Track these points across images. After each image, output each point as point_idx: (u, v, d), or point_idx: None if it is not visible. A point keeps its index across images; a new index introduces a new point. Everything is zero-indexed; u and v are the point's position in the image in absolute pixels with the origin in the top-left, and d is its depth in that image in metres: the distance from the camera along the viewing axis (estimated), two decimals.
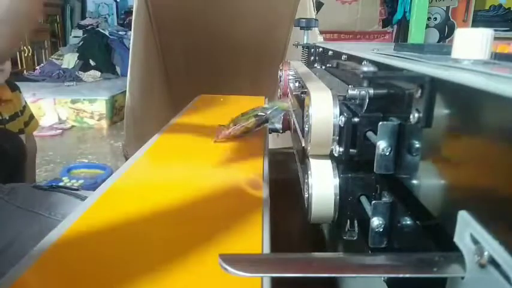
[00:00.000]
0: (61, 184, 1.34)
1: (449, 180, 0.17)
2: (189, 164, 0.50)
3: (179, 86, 1.41)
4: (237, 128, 0.56)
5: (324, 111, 0.25)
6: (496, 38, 0.21)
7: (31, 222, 0.52)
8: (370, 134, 0.24)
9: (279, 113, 0.55)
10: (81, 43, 2.95)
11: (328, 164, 0.28)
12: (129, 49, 1.12)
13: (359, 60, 0.33)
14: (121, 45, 2.98)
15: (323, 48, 0.57)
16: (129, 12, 3.32)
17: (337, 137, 0.26)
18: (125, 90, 1.12)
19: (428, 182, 0.19)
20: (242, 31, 1.28)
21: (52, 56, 2.97)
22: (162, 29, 1.27)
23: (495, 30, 0.21)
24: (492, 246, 0.13)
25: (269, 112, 0.55)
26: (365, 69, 0.26)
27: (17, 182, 0.83)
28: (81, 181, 1.37)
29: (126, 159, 1.11)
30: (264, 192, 0.41)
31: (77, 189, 0.62)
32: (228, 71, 1.37)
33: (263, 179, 0.44)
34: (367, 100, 0.25)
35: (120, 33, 3.11)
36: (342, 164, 0.27)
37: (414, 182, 0.21)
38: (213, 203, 0.38)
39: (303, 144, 0.30)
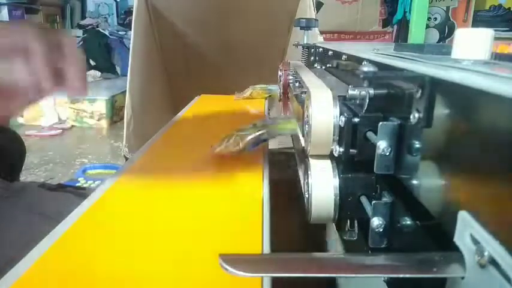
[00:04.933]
0: (78, 185, 1.33)
1: (449, 180, 0.17)
2: (189, 163, 0.50)
3: (179, 86, 1.41)
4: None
5: (324, 111, 0.25)
6: (496, 38, 0.21)
7: (41, 228, 0.52)
8: (370, 134, 0.24)
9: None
10: (81, 43, 2.95)
11: (328, 164, 0.28)
12: (129, 49, 1.12)
13: (359, 60, 0.33)
14: (121, 45, 2.98)
15: (323, 48, 0.57)
16: (129, 12, 3.32)
17: (337, 137, 0.26)
18: (125, 90, 1.12)
19: (428, 182, 0.19)
20: (242, 31, 1.28)
21: None
22: (162, 29, 1.27)
23: (495, 30, 0.21)
24: (492, 246, 0.13)
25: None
26: (365, 69, 0.26)
27: (16, 180, 0.83)
28: (98, 182, 1.36)
29: (126, 159, 1.11)
30: (264, 192, 0.41)
31: (83, 189, 0.61)
32: (228, 71, 1.37)
33: (263, 179, 0.44)
34: (367, 100, 0.25)
35: (120, 33, 3.10)
36: (342, 164, 0.27)
37: (414, 182, 0.21)
38: (213, 203, 0.38)
39: (303, 144, 0.30)
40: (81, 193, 0.59)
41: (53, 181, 1.39)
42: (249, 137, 0.46)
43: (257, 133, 0.46)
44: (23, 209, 0.54)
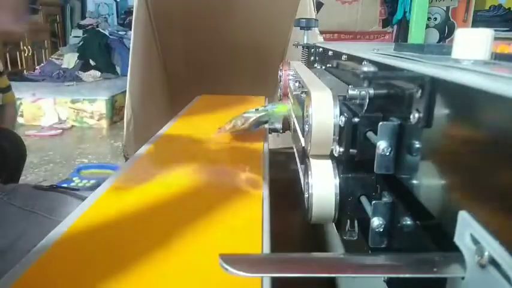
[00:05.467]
0: (72, 185, 1.33)
1: (449, 180, 0.17)
2: (189, 164, 0.50)
3: (179, 86, 1.41)
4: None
5: (324, 111, 0.25)
6: (496, 38, 0.21)
7: (32, 223, 0.53)
8: (370, 134, 0.24)
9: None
10: (81, 43, 2.95)
11: (328, 164, 0.28)
12: (129, 49, 1.12)
13: (359, 60, 0.33)
14: (121, 45, 2.98)
15: (323, 48, 0.57)
16: (129, 12, 3.32)
17: (338, 137, 0.26)
18: (125, 90, 1.12)
19: (428, 182, 0.19)
20: (242, 31, 1.28)
21: (52, 56, 2.97)
22: (162, 29, 1.27)
23: (495, 30, 0.21)
24: (492, 247, 0.13)
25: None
26: (365, 69, 0.26)
27: (16, 181, 0.83)
28: (92, 181, 1.35)
29: (126, 159, 1.11)
30: (264, 192, 0.41)
31: (77, 190, 0.62)
32: (228, 71, 1.37)
33: (263, 179, 0.44)
34: (367, 100, 0.24)
35: (120, 33, 3.11)
36: (342, 164, 0.27)
37: (414, 182, 0.21)
38: (213, 203, 0.38)
39: (303, 144, 0.30)
40: (74, 193, 0.59)
41: (53, 181, 1.39)
42: (252, 119, 0.56)
43: (258, 115, 0.56)
44: (14, 207, 0.54)
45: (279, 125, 0.66)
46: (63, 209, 0.55)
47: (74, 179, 1.40)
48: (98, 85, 2.57)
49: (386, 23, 2.51)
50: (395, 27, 2.48)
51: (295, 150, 0.47)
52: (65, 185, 1.21)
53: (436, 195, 0.18)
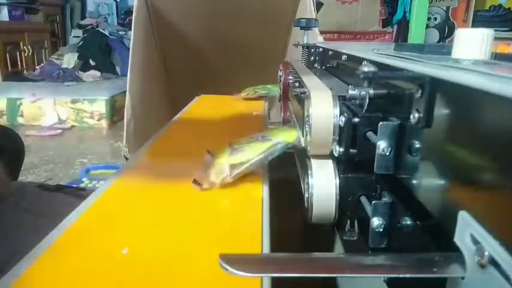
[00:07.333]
0: (82, 185, 1.33)
1: (449, 180, 0.17)
2: (189, 164, 0.50)
3: (179, 86, 1.41)
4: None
5: (324, 111, 0.25)
6: (496, 38, 0.21)
7: (39, 227, 0.52)
8: (370, 134, 0.24)
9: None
10: (81, 43, 2.95)
11: (328, 164, 0.28)
12: (129, 49, 1.12)
13: (359, 60, 0.33)
14: (121, 45, 2.98)
15: (323, 48, 0.57)
16: (129, 12, 3.32)
17: (338, 137, 0.26)
18: (125, 90, 1.12)
19: (428, 182, 0.19)
20: (242, 31, 1.28)
21: (52, 56, 2.97)
22: (162, 28, 1.27)
23: (495, 30, 0.21)
24: (492, 247, 0.13)
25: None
26: (365, 69, 0.26)
27: (16, 178, 0.83)
28: (102, 182, 1.34)
29: (126, 159, 1.11)
30: (263, 192, 0.41)
31: (83, 190, 0.62)
32: (228, 71, 1.37)
33: (263, 179, 0.44)
34: (367, 100, 0.25)
35: (120, 33, 3.11)
36: (342, 164, 0.27)
37: (414, 182, 0.21)
38: (213, 202, 0.38)
39: (303, 144, 0.30)
40: (80, 194, 0.59)
41: (53, 181, 1.39)
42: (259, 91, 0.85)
43: (259, 89, 0.86)
44: (20, 209, 0.54)
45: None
46: (69, 210, 0.55)
47: (83, 179, 1.40)
48: (98, 85, 2.57)
49: (386, 23, 2.51)
50: (395, 27, 2.48)
51: (295, 150, 0.47)
52: (74, 186, 1.20)
53: (436, 195, 0.18)
